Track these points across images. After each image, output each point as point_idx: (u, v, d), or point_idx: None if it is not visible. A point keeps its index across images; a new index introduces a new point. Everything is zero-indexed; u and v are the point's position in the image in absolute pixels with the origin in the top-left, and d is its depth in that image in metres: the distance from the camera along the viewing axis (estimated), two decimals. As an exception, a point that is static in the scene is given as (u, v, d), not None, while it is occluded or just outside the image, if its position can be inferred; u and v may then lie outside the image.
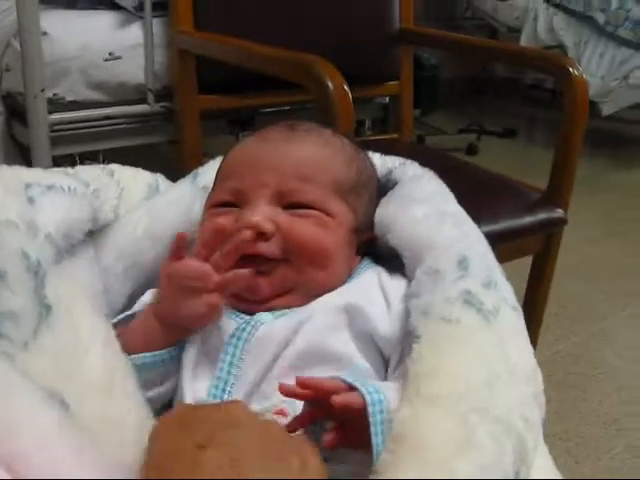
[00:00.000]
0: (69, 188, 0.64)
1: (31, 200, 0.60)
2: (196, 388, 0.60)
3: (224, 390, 0.59)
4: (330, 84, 1.11)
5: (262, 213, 0.63)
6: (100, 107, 1.78)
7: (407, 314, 0.60)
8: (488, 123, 3.91)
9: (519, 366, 0.54)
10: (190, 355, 0.62)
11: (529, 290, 1.54)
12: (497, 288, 0.60)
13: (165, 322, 0.62)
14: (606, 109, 3.45)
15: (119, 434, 0.51)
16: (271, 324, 0.61)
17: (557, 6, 3.75)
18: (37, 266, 0.55)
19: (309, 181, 0.66)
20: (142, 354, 0.61)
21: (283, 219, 0.63)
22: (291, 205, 0.65)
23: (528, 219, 1.38)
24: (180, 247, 0.62)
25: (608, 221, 2.78)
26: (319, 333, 0.60)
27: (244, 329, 0.61)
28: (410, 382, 0.52)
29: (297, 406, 0.56)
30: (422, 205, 0.68)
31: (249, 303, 0.64)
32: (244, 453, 0.43)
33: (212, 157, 0.81)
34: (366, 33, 1.80)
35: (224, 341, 0.61)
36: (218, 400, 0.58)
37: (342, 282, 0.66)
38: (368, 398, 0.50)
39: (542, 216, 1.39)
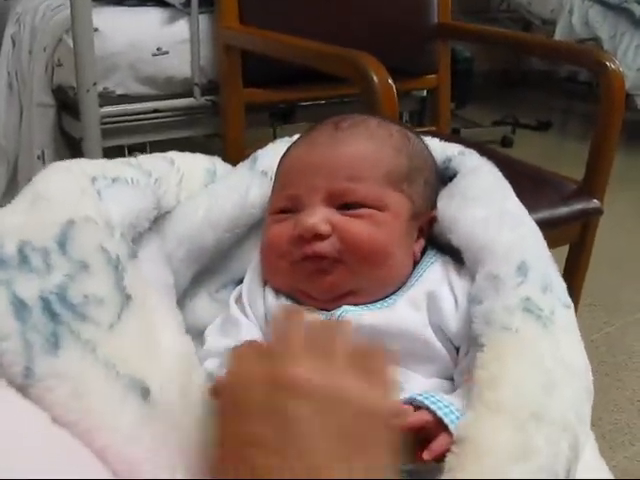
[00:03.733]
0: (132, 180, 0.66)
1: (99, 193, 0.61)
2: None
3: None
4: (375, 78, 1.14)
5: (318, 215, 0.64)
6: (148, 100, 1.82)
7: (470, 316, 0.60)
8: (522, 116, 3.90)
9: (573, 364, 0.56)
10: None
11: (565, 280, 1.55)
12: (552, 289, 0.61)
13: None
14: (642, 101, 3.44)
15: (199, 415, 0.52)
16: (356, 312, 0.62)
17: (592, -2, 3.74)
18: (116, 261, 0.55)
19: (359, 179, 0.66)
20: None
21: (338, 220, 0.64)
22: (344, 205, 0.65)
23: (564, 209, 1.39)
24: None
25: (644, 213, 2.78)
26: (404, 319, 0.62)
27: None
28: (474, 388, 0.53)
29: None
30: (482, 205, 0.68)
31: (320, 302, 0.65)
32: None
33: (252, 149, 0.81)
34: (405, 28, 1.83)
35: None
36: None
37: (406, 271, 0.67)
38: (452, 427, 0.52)
39: (578, 206, 1.41)
